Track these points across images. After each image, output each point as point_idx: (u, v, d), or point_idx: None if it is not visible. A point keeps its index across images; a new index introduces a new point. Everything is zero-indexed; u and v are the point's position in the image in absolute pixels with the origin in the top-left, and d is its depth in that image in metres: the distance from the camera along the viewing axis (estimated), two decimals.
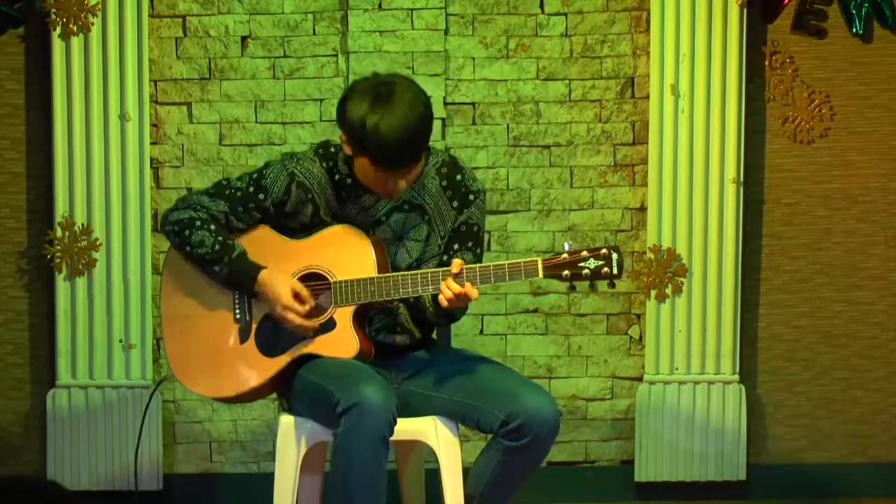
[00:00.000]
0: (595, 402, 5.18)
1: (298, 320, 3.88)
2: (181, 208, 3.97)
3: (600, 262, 3.77)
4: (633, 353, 5.16)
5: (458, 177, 4.00)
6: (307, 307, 3.89)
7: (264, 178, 3.96)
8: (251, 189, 3.96)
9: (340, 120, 3.84)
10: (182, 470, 5.15)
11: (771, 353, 5.17)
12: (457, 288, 3.77)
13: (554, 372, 5.16)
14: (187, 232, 3.93)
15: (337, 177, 3.96)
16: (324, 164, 3.97)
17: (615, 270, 3.76)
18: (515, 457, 3.82)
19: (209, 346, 3.97)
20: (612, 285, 3.82)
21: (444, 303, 3.79)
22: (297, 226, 3.98)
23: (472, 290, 3.77)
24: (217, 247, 3.91)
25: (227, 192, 3.97)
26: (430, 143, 4.11)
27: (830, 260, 5.15)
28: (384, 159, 3.78)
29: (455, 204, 4.00)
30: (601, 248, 3.77)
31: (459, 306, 3.84)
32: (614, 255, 3.76)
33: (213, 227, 3.93)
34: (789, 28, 5.06)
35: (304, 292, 3.89)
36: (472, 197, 4.01)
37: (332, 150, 3.99)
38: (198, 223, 3.93)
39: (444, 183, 3.99)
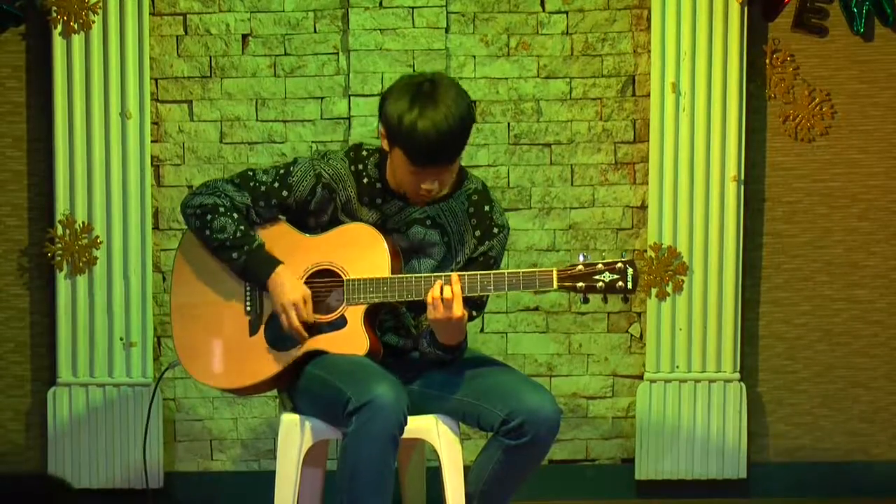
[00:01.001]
0: (596, 400, 5.18)
1: (296, 323, 3.87)
2: (205, 193, 3.95)
3: (615, 276, 3.77)
4: (634, 352, 5.16)
5: (487, 207, 3.99)
6: (309, 318, 3.89)
7: (291, 175, 3.95)
8: (276, 185, 3.95)
9: (381, 112, 3.84)
10: (183, 468, 5.16)
11: (772, 352, 5.17)
12: (447, 292, 3.76)
13: (555, 370, 5.16)
14: (209, 216, 3.92)
15: (365, 179, 3.95)
16: (353, 167, 3.95)
17: (630, 285, 3.76)
18: (516, 455, 3.82)
19: (218, 336, 3.97)
20: (626, 300, 3.83)
21: (428, 299, 3.78)
22: (314, 224, 3.97)
23: (457, 294, 3.76)
24: (238, 234, 3.91)
25: (251, 184, 3.96)
26: (468, 168, 4.10)
27: (831, 258, 5.15)
28: (420, 155, 3.76)
29: (478, 233, 3.98)
30: (616, 262, 3.77)
31: (438, 314, 3.80)
32: (629, 270, 3.76)
33: (235, 215, 3.93)
34: (790, 26, 5.06)
35: (310, 304, 3.89)
36: (496, 230, 4.00)
37: (364, 153, 3.98)
38: (221, 209, 3.92)
39: (472, 210, 3.98)
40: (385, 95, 3.84)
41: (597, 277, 3.77)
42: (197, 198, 3.96)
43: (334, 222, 3.95)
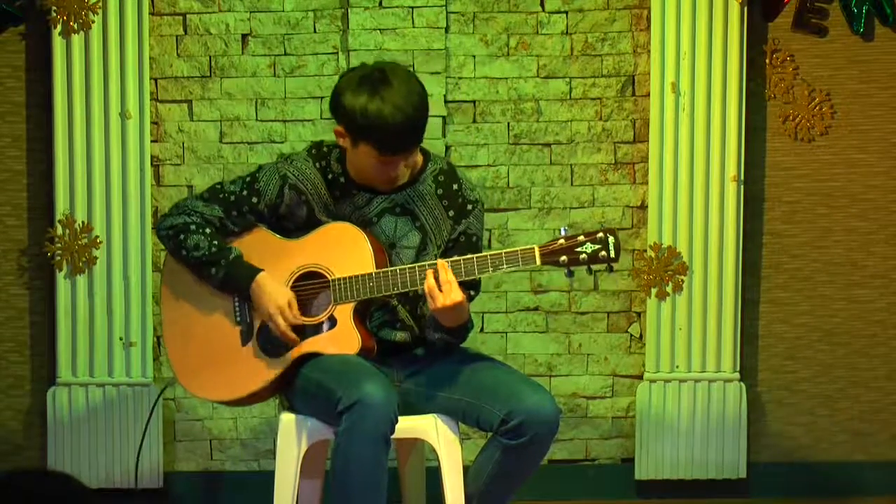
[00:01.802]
0: (595, 400, 5.18)
1: (284, 326, 3.87)
2: (175, 214, 3.97)
3: (597, 247, 3.74)
4: (634, 351, 5.16)
5: (455, 186, 3.99)
6: (293, 320, 3.89)
7: (257, 181, 3.95)
8: (245, 192, 3.95)
9: (337, 112, 3.83)
10: (182, 468, 5.15)
11: (771, 352, 5.17)
12: (442, 279, 3.75)
13: (554, 370, 5.16)
14: (182, 236, 3.92)
15: (330, 176, 3.95)
16: (317, 164, 3.96)
17: (612, 254, 3.74)
18: (515, 455, 3.82)
19: (210, 348, 3.97)
20: (611, 269, 3.78)
21: (426, 291, 3.77)
22: (293, 227, 3.97)
23: (451, 280, 3.75)
24: (213, 249, 3.91)
25: (220, 195, 3.96)
26: (430, 148, 4.11)
27: (831, 258, 5.15)
28: (389, 143, 3.77)
29: (451, 214, 3.98)
30: (597, 232, 3.75)
31: (438, 302, 3.77)
32: (611, 239, 3.74)
33: (208, 230, 3.93)
34: (790, 26, 5.06)
35: (295, 307, 3.89)
36: (469, 207, 4.00)
37: (325, 149, 3.98)
38: (192, 227, 3.92)
39: (441, 191, 3.98)
40: (337, 94, 3.83)
41: (579, 249, 3.75)
42: (168, 219, 3.97)
43: (314, 223, 3.95)
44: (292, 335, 3.89)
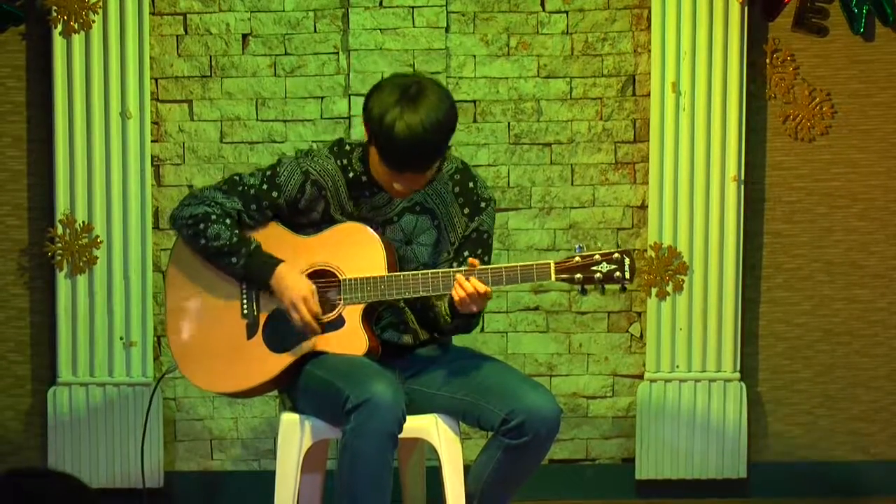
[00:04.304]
0: (596, 399, 5.18)
1: (308, 317, 3.87)
2: (194, 203, 3.94)
3: (612, 267, 3.76)
4: (634, 351, 5.16)
5: (471, 184, 4.00)
6: (316, 310, 3.89)
7: (278, 175, 3.94)
8: (265, 187, 3.93)
9: (365, 105, 3.83)
10: (183, 468, 5.15)
11: (772, 351, 5.17)
12: (470, 287, 3.76)
13: (555, 370, 5.16)
14: (202, 225, 3.91)
15: (351, 174, 3.94)
16: (338, 162, 3.95)
17: (627, 275, 3.75)
18: (515, 455, 3.82)
19: (215, 340, 3.96)
20: (624, 289, 3.83)
21: (457, 298, 3.78)
22: (306, 222, 3.97)
23: (480, 286, 3.77)
24: (235, 239, 3.90)
25: (240, 188, 3.94)
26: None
27: (831, 258, 5.15)
28: (393, 158, 3.78)
29: (466, 211, 3.99)
30: (613, 253, 3.76)
31: (472, 305, 3.81)
32: (626, 260, 3.75)
33: (228, 220, 3.91)
34: (790, 26, 5.06)
35: (317, 298, 3.88)
36: (483, 204, 4.00)
37: (347, 148, 3.97)
38: (213, 216, 3.90)
39: (457, 189, 3.98)
40: (373, 90, 3.83)
41: (594, 269, 3.76)
42: (187, 209, 3.94)
43: (327, 220, 3.95)
44: (315, 325, 3.88)
